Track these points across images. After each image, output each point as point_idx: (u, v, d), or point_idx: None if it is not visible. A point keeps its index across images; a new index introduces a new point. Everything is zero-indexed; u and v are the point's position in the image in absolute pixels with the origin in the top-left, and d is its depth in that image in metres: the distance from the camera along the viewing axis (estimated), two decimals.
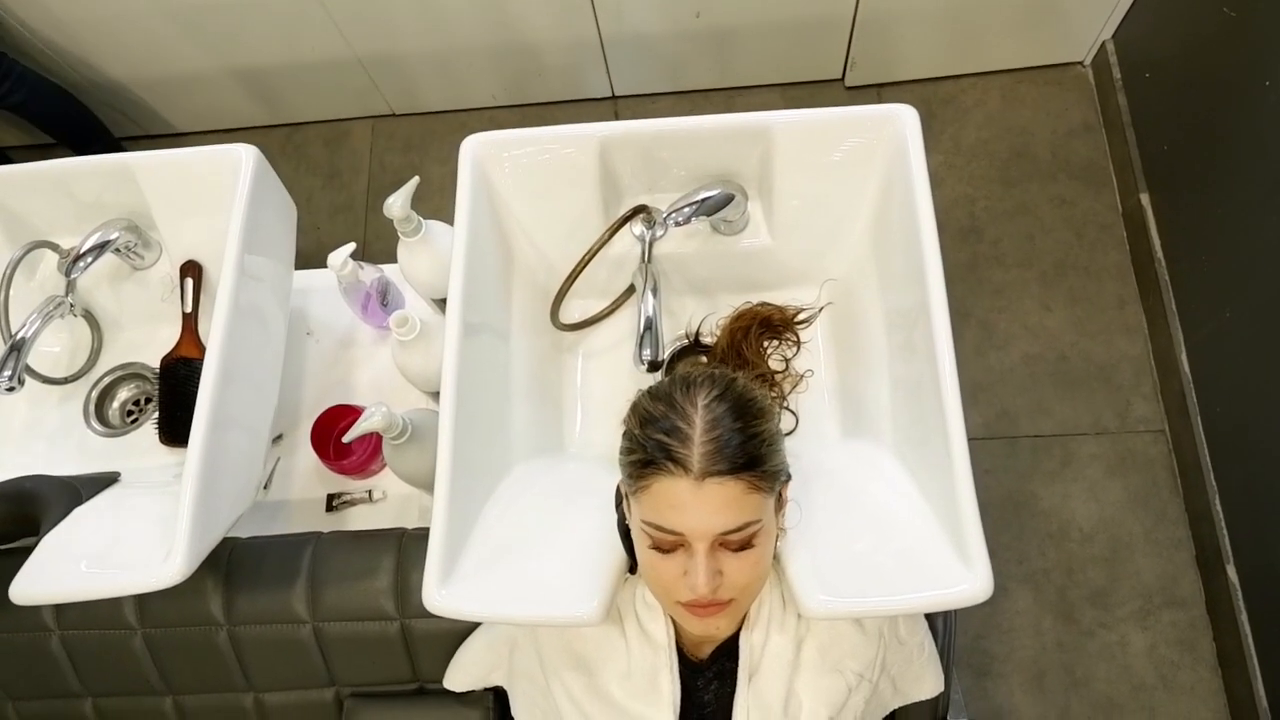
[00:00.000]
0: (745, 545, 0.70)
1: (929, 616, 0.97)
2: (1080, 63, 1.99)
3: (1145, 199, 1.79)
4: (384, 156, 2.15)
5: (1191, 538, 1.67)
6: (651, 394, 0.74)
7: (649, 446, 0.69)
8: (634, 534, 0.75)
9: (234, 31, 1.82)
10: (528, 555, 0.88)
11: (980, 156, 1.97)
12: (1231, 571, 1.55)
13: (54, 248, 1.13)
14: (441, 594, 0.82)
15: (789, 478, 0.75)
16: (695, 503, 0.67)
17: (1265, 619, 1.49)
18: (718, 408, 0.70)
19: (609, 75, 2.01)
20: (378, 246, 2.03)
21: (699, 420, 0.69)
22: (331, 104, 2.12)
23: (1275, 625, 1.46)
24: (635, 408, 0.73)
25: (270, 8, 1.74)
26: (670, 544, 0.70)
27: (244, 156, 1.06)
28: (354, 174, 2.14)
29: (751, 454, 0.68)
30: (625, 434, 0.73)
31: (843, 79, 2.03)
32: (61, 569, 0.91)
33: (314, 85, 2.02)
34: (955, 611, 1.00)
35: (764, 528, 0.71)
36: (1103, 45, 1.91)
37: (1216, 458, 1.59)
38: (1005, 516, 1.72)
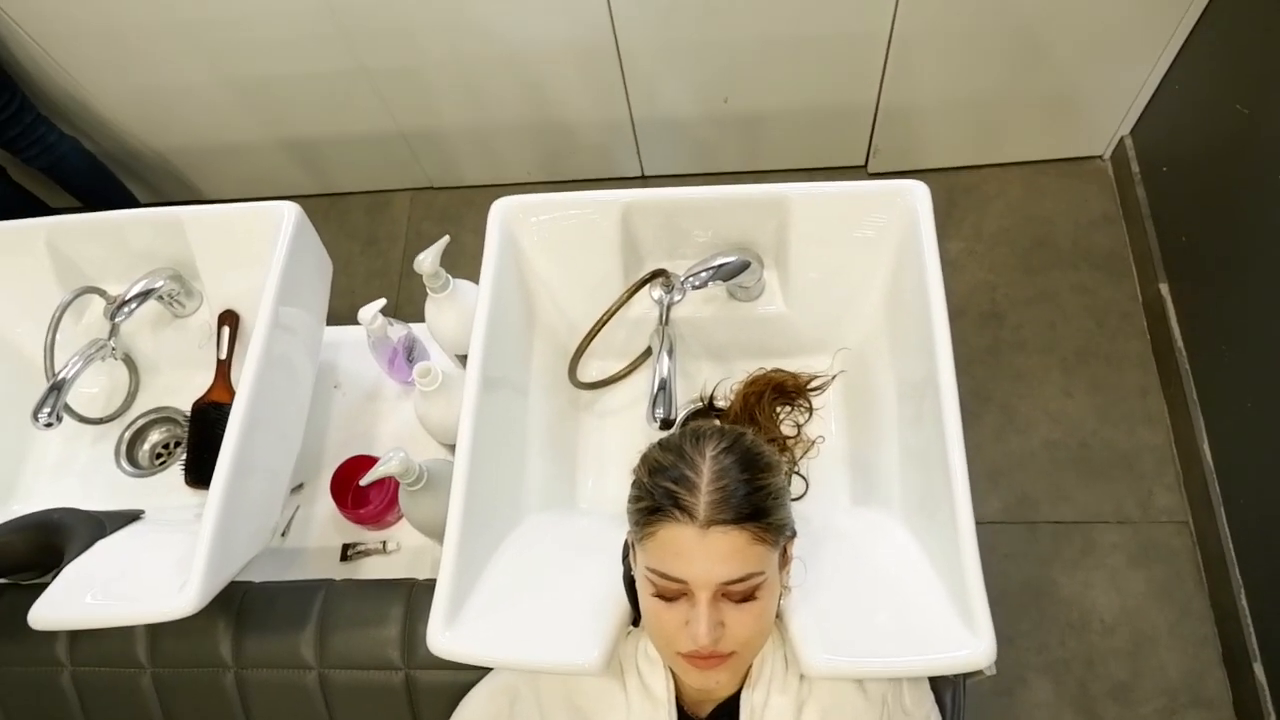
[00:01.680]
0: (748, 597, 0.71)
1: (938, 693, 0.95)
2: (1099, 156, 2.04)
3: (1165, 289, 1.80)
4: (420, 225, 2.23)
5: (1217, 634, 1.62)
6: (662, 445, 0.76)
7: (656, 494, 0.70)
8: (638, 583, 0.75)
9: (286, 104, 1.92)
10: (533, 604, 0.88)
11: (1002, 244, 2.00)
12: (1259, 670, 1.50)
13: (101, 293, 1.19)
14: (445, 636, 0.83)
15: (794, 534, 0.76)
16: (699, 550, 0.69)
17: None
18: (725, 459, 0.71)
19: (639, 156, 2.09)
20: (408, 310, 2.09)
21: (706, 470, 0.70)
22: (374, 175, 2.21)
23: None
24: (645, 458, 0.75)
25: (321, 82, 1.85)
26: (674, 592, 0.71)
27: (286, 213, 1.12)
28: (391, 241, 2.22)
29: (757, 505, 0.70)
30: (634, 483, 0.75)
31: (865, 165, 2.09)
32: (80, 596, 0.93)
33: (359, 157, 2.12)
34: (965, 688, 0.98)
35: (767, 581, 0.71)
36: (1121, 140, 1.96)
37: (1241, 551, 1.56)
38: (1024, 603, 1.68)
